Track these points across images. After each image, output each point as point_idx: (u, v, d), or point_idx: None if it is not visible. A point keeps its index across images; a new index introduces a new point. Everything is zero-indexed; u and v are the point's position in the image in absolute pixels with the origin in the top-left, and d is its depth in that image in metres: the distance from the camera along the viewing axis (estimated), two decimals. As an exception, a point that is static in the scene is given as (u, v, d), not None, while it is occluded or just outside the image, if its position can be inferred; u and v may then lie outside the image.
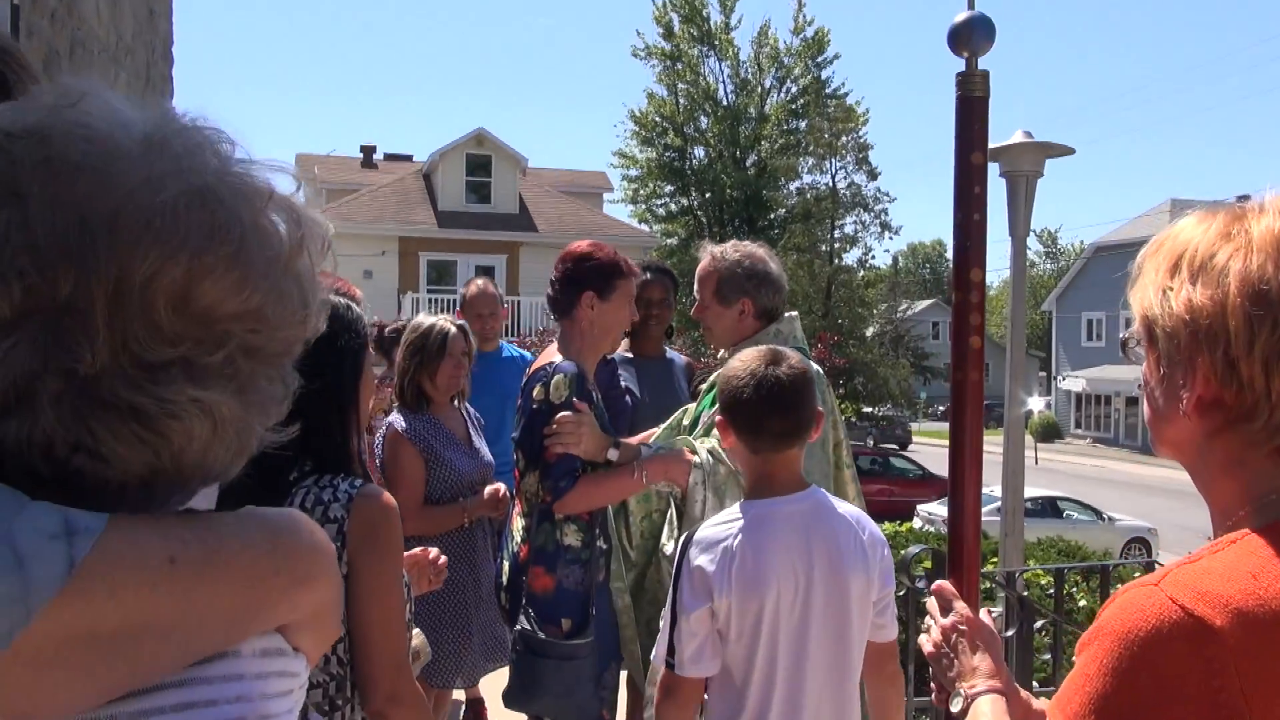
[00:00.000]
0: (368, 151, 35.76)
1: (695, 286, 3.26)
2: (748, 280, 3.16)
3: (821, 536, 2.23)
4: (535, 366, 3.08)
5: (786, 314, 3.23)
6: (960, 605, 1.54)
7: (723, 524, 2.25)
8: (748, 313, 3.16)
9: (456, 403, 3.89)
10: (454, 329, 3.78)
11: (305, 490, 1.83)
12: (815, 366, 3.01)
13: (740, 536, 2.19)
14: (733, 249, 3.25)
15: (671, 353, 4.41)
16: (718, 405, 2.37)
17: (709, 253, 3.26)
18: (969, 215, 1.60)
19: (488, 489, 3.73)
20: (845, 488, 3.10)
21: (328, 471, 1.86)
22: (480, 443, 3.92)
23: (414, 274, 26.56)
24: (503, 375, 4.68)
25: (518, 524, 3.07)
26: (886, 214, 37.21)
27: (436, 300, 23.67)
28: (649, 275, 4.15)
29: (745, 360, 2.28)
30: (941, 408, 58.84)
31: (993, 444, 8.04)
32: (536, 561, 2.93)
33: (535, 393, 2.94)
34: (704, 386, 3.27)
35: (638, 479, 2.93)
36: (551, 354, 3.05)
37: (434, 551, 2.37)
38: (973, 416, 1.59)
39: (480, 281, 5.16)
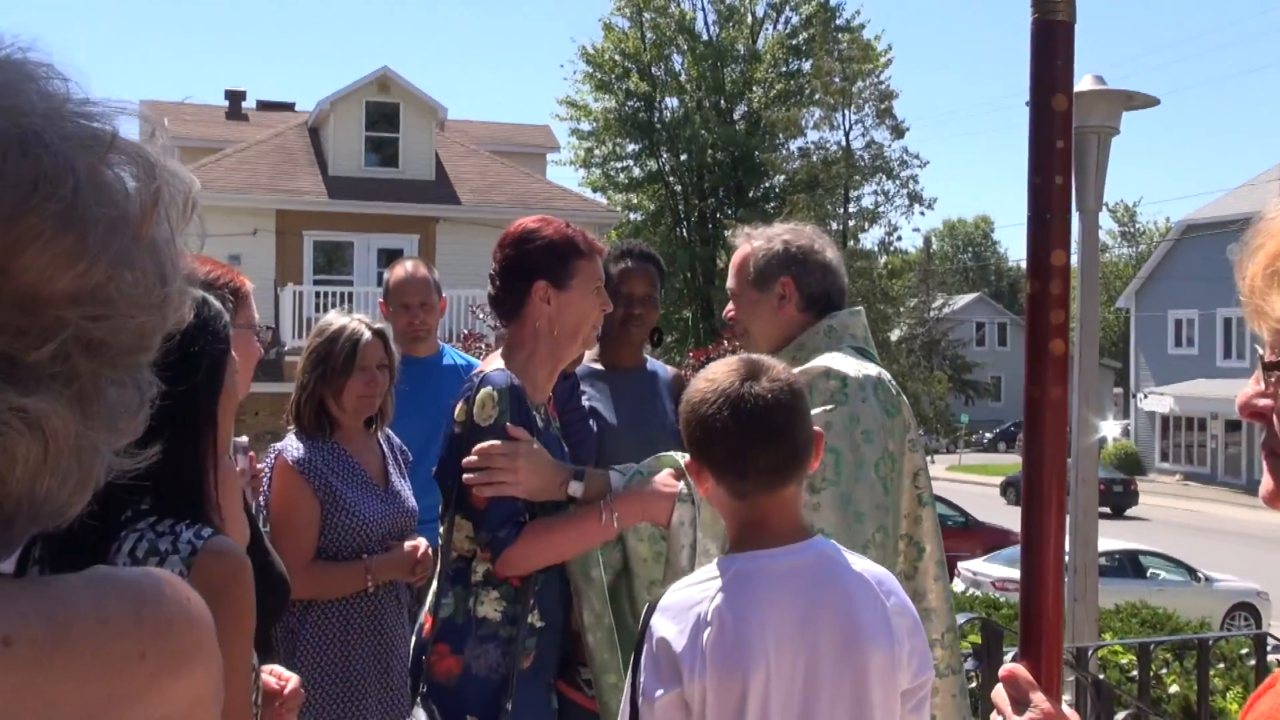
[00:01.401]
0: (235, 98, 35.62)
1: (728, 280, 3.30)
2: (787, 257, 3.16)
3: (830, 600, 2.20)
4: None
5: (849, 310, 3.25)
6: (1039, 698, 1.54)
7: (696, 584, 2.24)
8: (789, 297, 3.14)
9: (374, 429, 3.88)
10: (368, 334, 3.78)
11: (138, 535, 1.82)
12: (882, 372, 3.05)
13: (717, 599, 2.16)
14: (774, 227, 3.30)
15: (654, 363, 4.36)
16: (686, 441, 2.33)
17: (744, 233, 3.30)
18: (1049, 179, 1.58)
19: (407, 544, 3.71)
20: (925, 539, 3.03)
21: (169, 514, 1.85)
22: (402, 484, 3.90)
23: (296, 259, 26.44)
24: (440, 389, 4.65)
25: (434, 587, 3.04)
26: (916, 182, 37.72)
27: (326, 294, 23.52)
28: (629, 263, 4.10)
29: (713, 377, 2.25)
30: (989, 435, 59.43)
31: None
32: (441, 637, 2.90)
33: (456, 412, 2.93)
34: None
35: (607, 523, 2.87)
36: (492, 361, 3.04)
37: (292, 683, 2.34)
38: (1053, 446, 1.58)
39: (410, 263, 5.13)
